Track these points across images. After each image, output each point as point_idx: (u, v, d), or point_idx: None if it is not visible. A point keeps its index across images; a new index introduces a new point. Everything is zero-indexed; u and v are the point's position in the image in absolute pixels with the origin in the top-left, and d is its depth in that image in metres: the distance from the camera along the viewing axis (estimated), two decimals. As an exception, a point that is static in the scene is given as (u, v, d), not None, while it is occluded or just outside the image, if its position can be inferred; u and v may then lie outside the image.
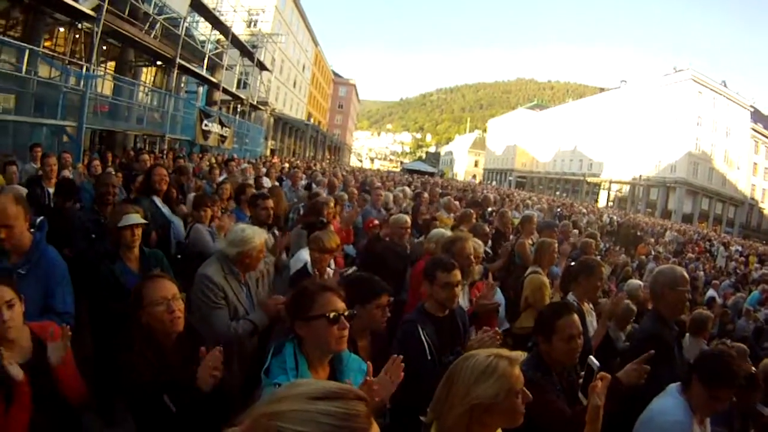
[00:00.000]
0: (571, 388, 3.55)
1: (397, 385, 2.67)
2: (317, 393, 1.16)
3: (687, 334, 6.47)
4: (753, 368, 5.35)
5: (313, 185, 12.71)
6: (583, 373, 3.40)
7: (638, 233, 24.54)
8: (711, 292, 14.71)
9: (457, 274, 4.04)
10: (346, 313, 2.70)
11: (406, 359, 2.84)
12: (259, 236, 4.34)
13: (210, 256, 5.07)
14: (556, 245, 6.76)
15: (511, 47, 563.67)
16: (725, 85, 70.15)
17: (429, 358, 3.65)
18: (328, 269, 4.97)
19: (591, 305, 5.38)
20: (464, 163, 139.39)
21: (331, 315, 2.63)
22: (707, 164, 67.87)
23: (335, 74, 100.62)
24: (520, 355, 2.30)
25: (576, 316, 3.46)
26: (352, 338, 3.38)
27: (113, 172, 8.30)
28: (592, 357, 3.12)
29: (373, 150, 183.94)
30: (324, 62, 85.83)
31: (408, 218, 7.35)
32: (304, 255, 5.33)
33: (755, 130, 70.91)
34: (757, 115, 72.91)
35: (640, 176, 69.09)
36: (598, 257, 9.47)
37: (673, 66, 72.27)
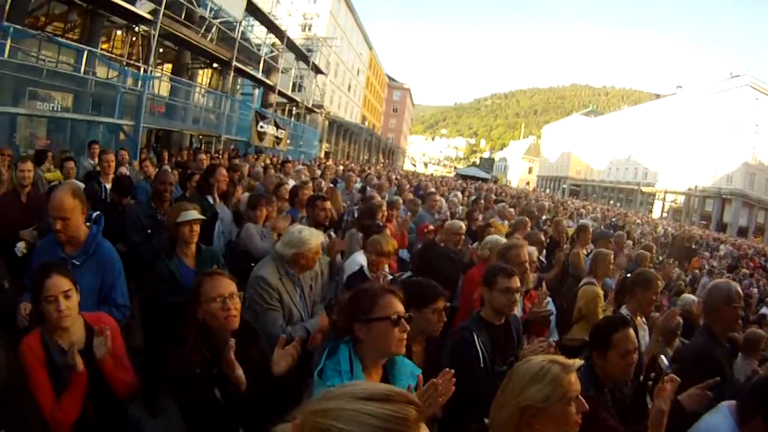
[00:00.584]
0: (621, 405, 3.47)
1: (447, 398, 2.58)
2: (367, 394, 1.16)
3: (739, 353, 6.32)
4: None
5: (368, 188, 12.76)
6: (653, 374, 3.31)
7: (693, 246, 24.03)
8: (764, 310, 14.34)
9: (517, 281, 4.00)
10: (405, 316, 2.70)
11: (459, 366, 2.81)
12: (315, 238, 4.36)
13: (256, 255, 5.18)
14: (612, 256, 6.66)
15: (566, 52, 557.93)
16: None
17: (482, 366, 3.62)
18: (383, 273, 4.96)
19: (644, 319, 5.29)
20: (518, 169, 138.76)
21: (394, 317, 2.63)
22: (764, 174, 65.16)
23: (390, 78, 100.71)
24: (576, 362, 2.22)
25: (632, 331, 3.39)
26: (408, 343, 3.36)
27: (170, 170, 8.42)
28: (662, 357, 2.98)
29: (426, 154, 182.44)
30: (378, 66, 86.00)
31: (463, 224, 7.38)
32: (359, 258, 5.37)
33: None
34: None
35: (696, 187, 67.43)
36: (654, 270, 9.31)
37: (730, 71, 69.81)
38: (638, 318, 5.04)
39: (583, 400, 2.17)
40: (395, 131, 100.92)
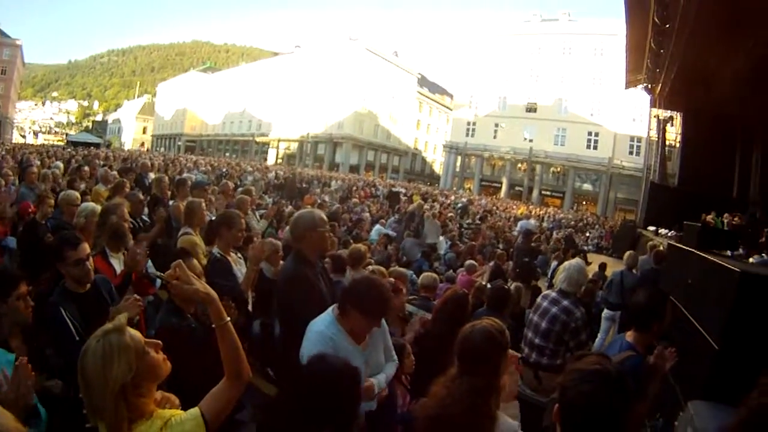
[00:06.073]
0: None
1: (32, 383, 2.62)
2: None
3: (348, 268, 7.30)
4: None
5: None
6: None
7: (304, 185, 25.85)
8: (378, 227, 16.17)
9: (86, 247, 4.00)
10: None
11: (55, 344, 2.95)
12: None
13: None
14: (203, 204, 7.05)
15: (189, 8, 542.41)
16: (397, 55, 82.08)
17: (78, 338, 3.56)
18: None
19: (239, 254, 5.87)
20: (132, 130, 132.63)
21: None
22: (373, 121, 76.91)
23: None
24: (122, 319, 2.18)
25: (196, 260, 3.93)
26: (3, 338, 3.28)
27: None
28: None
29: (37, 122, 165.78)
30: (-13, 19, 73.84)
31: (78, 194, 7.30)
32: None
33: (421, 93, 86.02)
34: (423, 81, 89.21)
35: (308, 134, 73.31)
36: (262, 212, 10.17)
37: (348, 36, 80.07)
38: (231, 254, 5.56)
39: (152, 340, 2.24)
40: (3, 98, 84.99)
